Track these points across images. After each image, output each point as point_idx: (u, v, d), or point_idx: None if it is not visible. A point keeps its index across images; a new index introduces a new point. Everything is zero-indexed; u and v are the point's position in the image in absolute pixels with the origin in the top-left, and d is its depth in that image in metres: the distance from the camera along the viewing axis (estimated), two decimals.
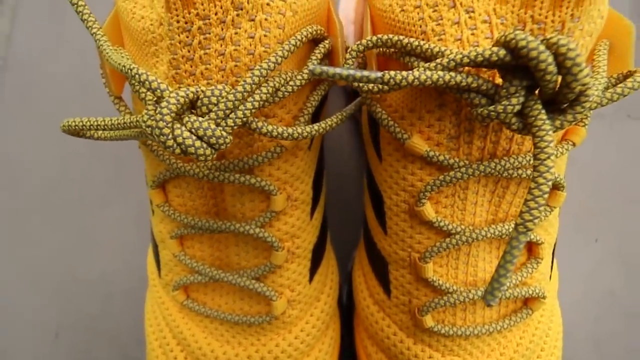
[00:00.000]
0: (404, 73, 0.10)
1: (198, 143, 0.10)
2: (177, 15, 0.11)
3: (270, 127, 0.11)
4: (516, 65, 0.10)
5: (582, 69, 0.09)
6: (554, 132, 0.10)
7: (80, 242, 0.25)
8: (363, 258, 0.18)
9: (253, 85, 0.10)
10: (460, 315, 0.15)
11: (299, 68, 0.13)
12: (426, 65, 0.10)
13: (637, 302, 0.24)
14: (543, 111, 0.10)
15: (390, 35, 0.11)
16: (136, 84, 0.11)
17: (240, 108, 0.10)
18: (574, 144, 0.13)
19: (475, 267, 0.15)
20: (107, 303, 0.25)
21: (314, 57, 0.12)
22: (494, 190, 0.14)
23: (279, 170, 0.14)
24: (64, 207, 0.26)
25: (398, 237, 0.15)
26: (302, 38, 0.12)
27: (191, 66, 0.11)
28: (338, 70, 0.10)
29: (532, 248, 0.15)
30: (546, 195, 0.09)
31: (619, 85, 0.12)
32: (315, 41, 0.13)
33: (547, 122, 0.10)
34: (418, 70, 0.10)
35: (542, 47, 0.09)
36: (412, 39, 0.11)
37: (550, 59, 0.09)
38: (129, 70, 0.10)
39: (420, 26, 0.11)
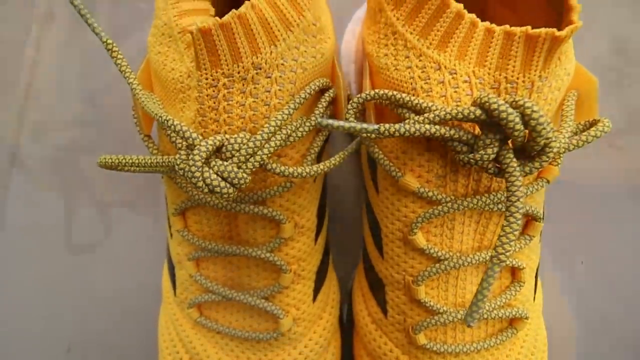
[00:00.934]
0: (397, 125, 0.12)
1: (223, 183, 0.12)
2: (206, 73, 0.13)
3: (283, 168, 0.13)
4: (491, 121, 0.12)
5: (544, 127, 0.11)
6: (524, 176, 0.12)
7: (95, 260, 0.27)
8: (362, 280, 0.20)
9: (269, 134, 0.12)
10: (450, 334, 0.17)
11: (307, 114, 0.15)
12: (416, 118, 0.12)
13: (622, 324, 0.25)
14: (514, 159, 0.12)
15: (386, 91, 0.13)
16: (170, 131, 0.12)
17: (258, 153, 0.12)
18: (548, 181, 0.15)
19: (464, 290, 0.16)
20: (120, 319, 0.26)
21: (320, 106, 0.14)
22: (479, 221, 0.15)
23: (288, 202, 0.15)
24: (80, 225, 0.27)
25: (394, 262, 0.16)
26: (310, 91, 0.14)
27: (215, 114, 0.13)
28: (341, 123, 0.12)
29: (514, 272, 0.17)
30: (517, 232, 0.11)
31: (584, 133, 0.14)
32: (321, 90, 0.15)
33: (518, 168, 0.12)
34: (408, 123, 0.12)
35: (510, 109, 0.11)
36: (404, 95, 0.13)
37: (517, 119, 0.11)
38: (165, 121, 0.12)
39: (411, 84, 0.13)
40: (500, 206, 0.14)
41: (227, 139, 0.12)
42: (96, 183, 0.27)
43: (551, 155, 0.12)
